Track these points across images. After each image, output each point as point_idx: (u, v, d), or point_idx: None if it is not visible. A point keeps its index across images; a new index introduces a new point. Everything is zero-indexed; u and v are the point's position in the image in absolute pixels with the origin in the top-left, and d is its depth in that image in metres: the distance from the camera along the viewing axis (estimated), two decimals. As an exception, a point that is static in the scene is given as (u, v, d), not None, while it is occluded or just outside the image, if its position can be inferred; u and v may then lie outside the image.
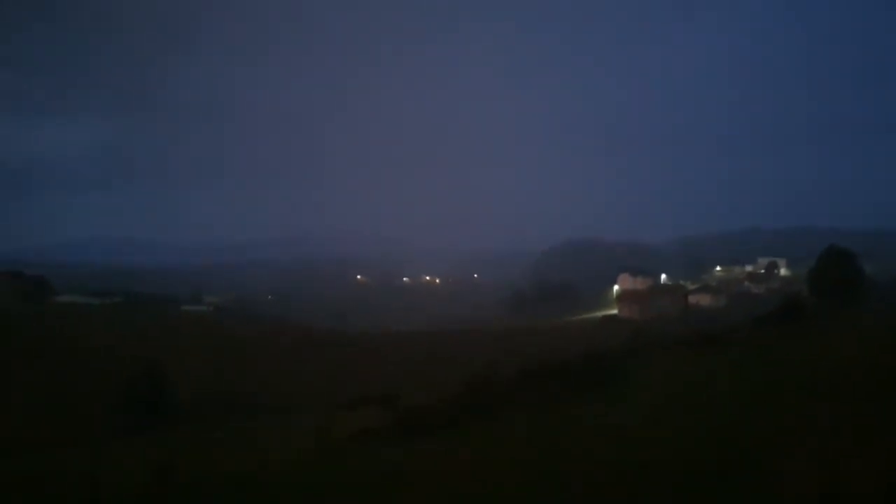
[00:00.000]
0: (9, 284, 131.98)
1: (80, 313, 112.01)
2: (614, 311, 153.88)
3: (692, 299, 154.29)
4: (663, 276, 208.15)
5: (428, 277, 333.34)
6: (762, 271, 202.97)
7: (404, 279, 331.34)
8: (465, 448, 18.31)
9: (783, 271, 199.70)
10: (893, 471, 8.67)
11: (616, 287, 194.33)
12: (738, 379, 20.38)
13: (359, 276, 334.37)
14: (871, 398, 13.04)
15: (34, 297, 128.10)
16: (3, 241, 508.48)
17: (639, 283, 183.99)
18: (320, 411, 41.63)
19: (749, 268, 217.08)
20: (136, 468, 25.87)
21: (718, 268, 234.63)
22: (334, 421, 32.84)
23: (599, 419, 18.75)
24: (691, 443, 13.30)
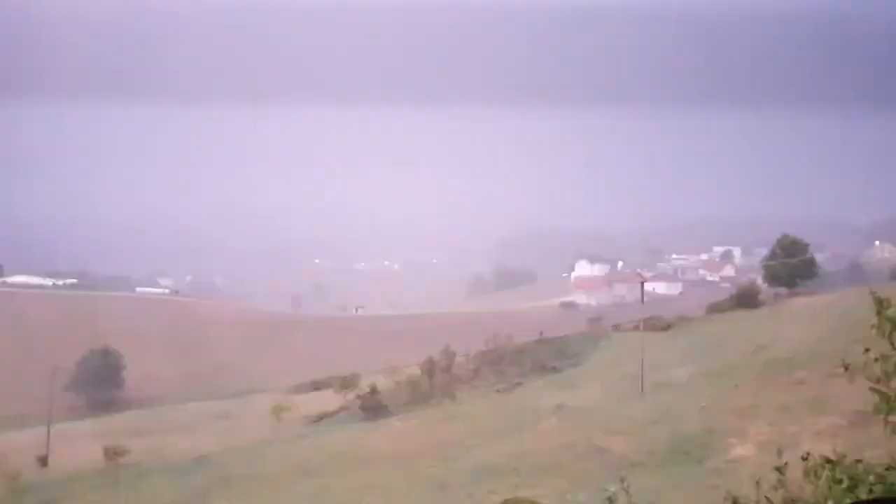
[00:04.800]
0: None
1: (31, 294, 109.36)
2: (572, 298, 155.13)
3: (649, 286, 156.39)
4: (620, 264, 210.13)
5: (387, 262, 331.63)
6: (718, 259, 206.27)
7: (362, 263, 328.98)
8: (422, 430, 18.39)
9: (738, 260, 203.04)
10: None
11: (574, 273, 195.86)
12: (692, 363, 20.77)
13: (316, 260, 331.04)
14: (818, 382, 13.39)
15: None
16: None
17: (597, 270, 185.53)
18: (279, 394, 41.36)
19: (705, 256, 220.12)
20: (90, 448, 25.46)
21: (675, 256, 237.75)
22: (293, 403, 32.66)
23: (556, 402, 18.95)
24: (647, 425, 13.51)
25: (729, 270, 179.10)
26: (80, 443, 28.55)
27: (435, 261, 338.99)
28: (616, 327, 44.97)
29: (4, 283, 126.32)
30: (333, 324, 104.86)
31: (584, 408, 17.12)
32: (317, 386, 40.36)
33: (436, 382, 25.29)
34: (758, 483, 3.66)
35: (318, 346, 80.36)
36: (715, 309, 41.14)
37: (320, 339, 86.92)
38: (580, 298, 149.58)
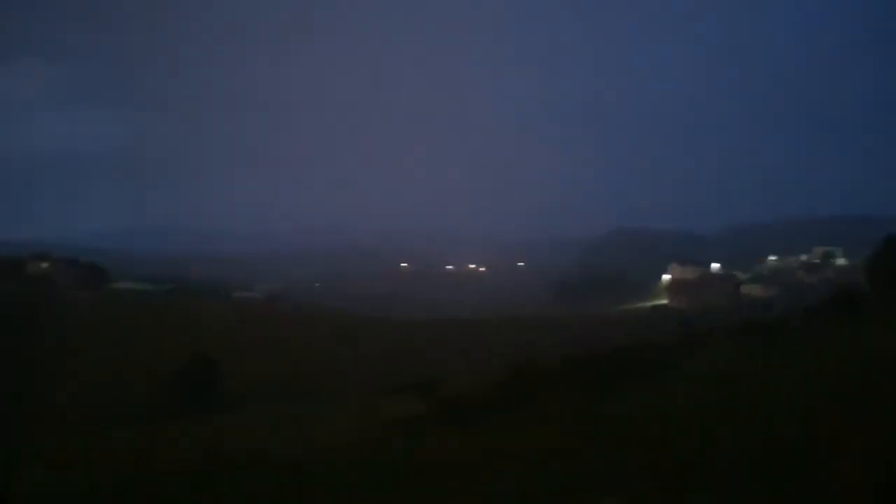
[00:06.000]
0: (65, 271, 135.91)
1: (135, 299, 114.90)
2: (664, 301, 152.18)
3: (744, 289, 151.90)
4: (714, 266, 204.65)
5: (472, 265, 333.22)
6: (817, 261, 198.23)
7: (448, 267, 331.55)
8: (507, 435, 18.32)
9: (840, 261, 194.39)
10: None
11: (666, 276, 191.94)
12: (787, 370, 19.96)
13: (403, 264, 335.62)
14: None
15: (91, 284, 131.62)
16: (58, 228, 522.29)
17: (689, 273, 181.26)
18: (366, 398, 42.05)
19: (804, 257, 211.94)
20: (189, 447, 26.57)
21: (772, 257, 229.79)
22: (379, 407, 33.14)
23: (644, 409, 18.56)
24: (738, 434, 13.08)
25: (829, 272, 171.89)
26: (178, 444, 29.78)
27: (521, 264, 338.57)
28: (709, 331, 43.78)
29: (110, 289, 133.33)
30: (418, 326, 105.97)
31: (672, 415, 16.70)
32: (401, 388, 40.84)
33: (521, 387, 25.14)
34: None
35: (405, 349, 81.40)
36: (810, 313, 39.38)
37: (407, 341, 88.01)
38: (672, 302, 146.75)
